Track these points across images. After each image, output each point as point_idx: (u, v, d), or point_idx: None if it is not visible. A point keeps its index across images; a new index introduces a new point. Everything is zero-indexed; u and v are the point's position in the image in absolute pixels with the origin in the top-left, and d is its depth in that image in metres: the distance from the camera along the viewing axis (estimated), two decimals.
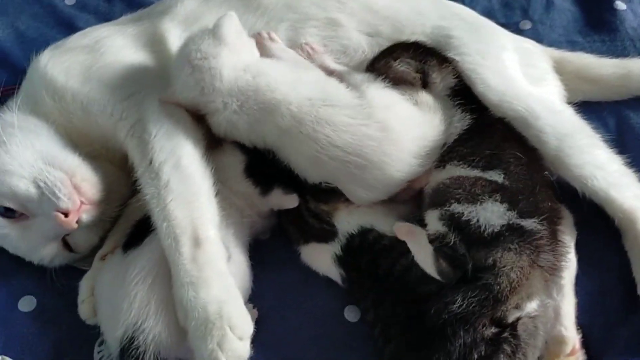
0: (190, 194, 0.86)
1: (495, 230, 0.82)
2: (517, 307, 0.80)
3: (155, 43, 1.06)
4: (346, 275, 0.93)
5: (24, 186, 0.87)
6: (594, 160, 0.96)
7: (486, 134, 0.94)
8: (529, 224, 0.83)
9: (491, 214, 0.83)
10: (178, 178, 0.87)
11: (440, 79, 1.00)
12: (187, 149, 0.90)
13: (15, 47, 1.31)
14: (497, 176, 0.87)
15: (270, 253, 1.00)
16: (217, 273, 0.82)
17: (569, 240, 0.92)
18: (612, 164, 0.97)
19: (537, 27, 1.32)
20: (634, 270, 0.93)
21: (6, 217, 0.88)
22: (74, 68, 0.99)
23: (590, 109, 1.12)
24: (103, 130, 0.96)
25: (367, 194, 0.92)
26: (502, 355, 0.77)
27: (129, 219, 0.98)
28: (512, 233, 0.82)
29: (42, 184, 0.86)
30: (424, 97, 0.97)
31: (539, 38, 1.26)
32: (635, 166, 1.00)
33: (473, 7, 1.32)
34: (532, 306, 0.81)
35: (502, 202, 0.84)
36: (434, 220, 0.86)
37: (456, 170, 0.90)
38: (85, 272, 0.96)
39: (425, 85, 0.99)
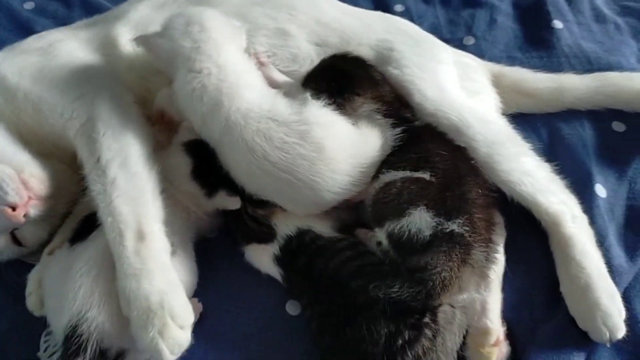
0: (135, 191, 0.90)
1: (426, 239, 0.87)
2: (450, 302, 0.86)
3: (107, 46, 1.09)
4: (285, 275, 0.97)
5: None
6: (521, 167, 1.02)
7: (414, 141, 0.98)
8: (457, 226, 0.87)
9: (420, 224, 0.88)
10: (124, 176, 0.90)
11: (363, 105, 1.02)
12: (134, 148, 0.94)
13: None
14: (424, 174, 0.92)
15: (217, 251, 1.04)
16: (160, 266, 0.85)
17: (498, 240, 0.97)
18: (539, 171, 1.03)
19: (479, 42, 1.39)
20: (557, 270, 0.99)
21: None
22: (27, 69, 1.02)
23: (525, 120, 1.19)
24: (53, 128, 0.98)
25: (297, 209, 0.97)
26: (424, 340, 0.82)
27: (77, 215, 1.00)
28: (441, 238, 0.87)
29: None
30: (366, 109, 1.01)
31: (481, 53, 1.33)
32: (564, 174, 1.06)
33: (421, 23, 1.41)
34: (462, 298, 0.87)
35: (428, 208, 0.88)
36: (383, 238, 0.91)
37: (386, 177, 0.94)
38: (33, 266, 0.98)
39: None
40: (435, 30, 1.40)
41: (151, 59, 1.04)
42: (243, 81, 0.98)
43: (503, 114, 1.17)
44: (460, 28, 1.43)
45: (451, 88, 1.08)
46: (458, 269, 0.86)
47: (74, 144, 0.96)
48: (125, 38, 1.09)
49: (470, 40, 1.40)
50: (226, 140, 0.95)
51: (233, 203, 0.99)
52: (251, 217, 1.00)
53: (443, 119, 1.02)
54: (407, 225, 0.88)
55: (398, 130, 0.98)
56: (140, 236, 0.86)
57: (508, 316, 0.95)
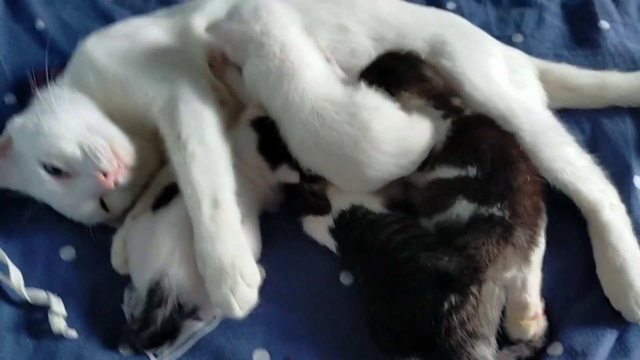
0: (211, 163, 1.01)
1: (465, 221, 0.96)
2: (493, 278, 0.94)
3: (185, 34, 1.20)
4: (338, 246, 1.06)
5: (71, 148, 1.01)
6: (564, 156, 1.09)
7: (465, 131, 1.05)
8: (497, 209, 0.95)
9: (460, 210, 0.97)
10: (202, 150, 1.01)
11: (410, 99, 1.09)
12: (210, 125, 1.05)
13: (59, 35, 1.45)
14: (471, 169, 0.99)
15: (279, 224, 1.14)
16: (232, 231, 0.96)
17: (541, 224, 1.03)
18: (581, 160, 1.10)
19: (527, 40, 1.45)
20: (594, 253, 1.05)
21: (53, 175, 1.02)
22: (115, 52, 1.13)
23: (569, 114, 1.25)
24: (138, 106, 1.09)
25: (344, 185, 1.06)
26: (468, 306, 0.89)
27: (157, 185, 1.11)
28: (480, 220, 0.95)
29: (86, 148, 1.01)
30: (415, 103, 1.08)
31: (528, 50, 1.38)
32: (604, 165, 1.12)
33: (471, 20, 1.45)
34: (505, 276, 0.95)
35: (469, 198, 0.97)
36: (431, 227, 1.01)
37: (440, 171, 1.02)
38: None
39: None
40: (485, 28, 1.45)
41: (221, 45, 1.13)
42: (304, 62, 1.07)
43: (548, 107, 1.23)
44: (510, 26, 1.49)
45: (500, 79, 1.16)
46: (499, 247, 0.92)
47: (156, 121, 1.07)
48: (201, 27, 1.19)
49: (518, 38, 1.46)
50: (285, 117, 1.04)
51: (293, 176, 1.09)
52: (309, 191, 1.09)
53: (492, 109, 1.09)
54: (450, 215, 0.97)
55: (449, 121, 1.05)
56: (215, 204, 0.96)
57: (546, 295, 1.01)
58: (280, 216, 1.16)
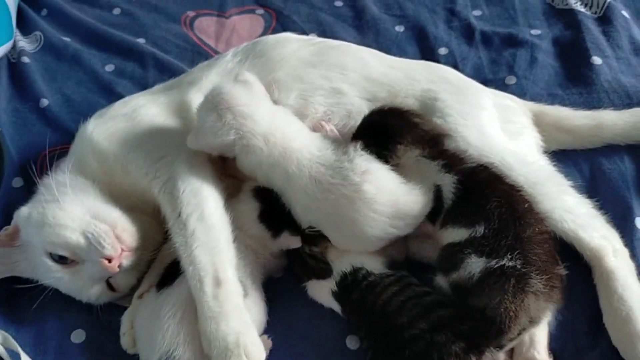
0: (212, 241, 1.03)
1: (476, 277, 0.96)
2: (521, 332, 0.94)
3: (183, 111, 1.23)
4: (342, 309, 1.07)
5: (75, 237, 1.04)
6: (563, 205, 1.10)
7: (473, 192, 1.03)
8: (507, 260, 0.94)
9: (471, 267, 0.96)
10: (202, 228, 1.03)
11: (407, 152, 1.10)
12: (210, 202, 1.07)
13: (63, 111, 1.49)
14: (480, 229, 0.98)
15: (283, 289, 1.15)
16: (235, 308, 0.98)
17: (556, 270, 0.98)
18: (580, 208, 1.11)
19: (521, 81, 1.46)
20: (600, 301, 1.05)
21: (60, 263, 1.05)
22: (115, 134, 1.17)
23: (566, 156, 1.27)
24: (140, 187, 1.12)
25: (344, 245, 1.08)
26: None
27: (161, 262, 1.14)
28: (491, 274, 0.94)
29: (89, 235, 1.03)
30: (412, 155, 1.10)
31: (522, 92, 1.41)
32: (605, 208, 1.13)
33: (464, 64, 1.50)
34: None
35: (479, 255, 0.96)
36: (446, 285, 1.01)
37: (451, 234, 1.02)
38: (126, 308, 1.12)
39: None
40: (478, 71, 1.50)
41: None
42: (290, 136, 1.10)
43: (545, 151, 1.25)
44: (502, 67, 1.51)
45: (493, 133, 1.17)
46: (518, 300, 0.92)
47: (157, 200, 1.10)
48: (198, 102, 1.22)
49: (512, 80, 1.47)
50: (288, 188, 1.08)
51: (295, 242, 1.11)
52: (310, 255, 1.11)
53: (487, 164, 1.10)
54: (462, 272, 0.97)
55: (454, 177, 1.05)
56: (217, 282, 0.98)
57: (555, 347, 1.01)
58: (284, 281, 1.17)
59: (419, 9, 1.72)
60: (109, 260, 1.03)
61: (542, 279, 0.93)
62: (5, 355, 1.05)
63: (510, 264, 0.94)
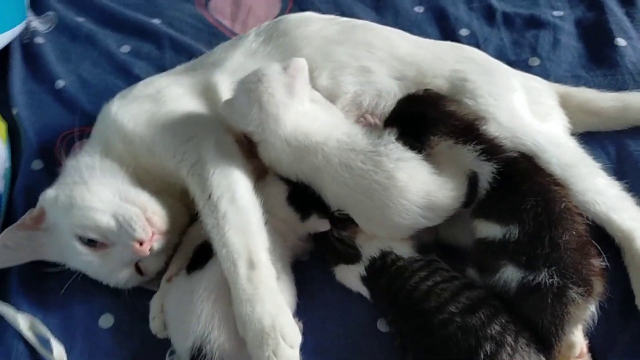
0: (244, 223, 1.01)
1: (514, 292, 0.95)
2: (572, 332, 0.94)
3: (208, 92, 1.21)
4: (370, 294, 1.06)
5: (106, 220, 1.02)
6: (594, 187, 1.09)
7: (509, 185, 1.00)
8: (545, 275, 0.92)
9: (508, 277, 0.95)
10: (234, 210, 1.02)
11: (440, 142, 1.06)
12: (240, 184, 1.05)
13: (79, 92, 1.47)
14: (514, 230, 0.96)
15: (310, 272, 1.14)
16: (269, 291, 0.96)
17: (594, 271, 0.96)
18: (611, 190, 1.10)
19: (544, 63, 1.44)
20: (632, 283, 1.05)
21: (89, 247, 1.04)
22: (140, 115, 1.14)
23: (593, 138, 1.25)
24: (166, 169, 1.11)
25: (373, 230, 1.06)
26: (504, 354, 0.89)
27: (189, 245, 1.12)
28: (530, 290, 0.93)
29: (120, 218, 1.02)
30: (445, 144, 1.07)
31: (546, 74, 1.39)
32: (634, 190, 1.12)
33: (486, 46, 1.48)
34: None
35: (515, 264, 0.95)
36: (477, 278, 1.01)
37: (484, 228, 1.00)
38: (153, 292, 1.10)
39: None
40: (500, 53, 1.48)
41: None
42: (312, 135, 1.07)
43: (572, 133, 1.23)
44: (525, 49, 1.49)
45: (524, 114, 1.16)
46: (560, 314, 0.91)
47: (185, 182, 1.08)
48: (224, 84, 1.20)
49: (535, 62, 1.45)
50: (316, 178, 1.07)
51: (323, 225, 1.10)
52: (338, 239, 1.09)
53: (519, 146, 1.08)
54: (498, 280, 0.96)
55: (493, 165, 1.01)
56: (251, 264, 0.97)
57: (587, 329, 1.00)
58: (311, 264, 1.16)
59: None
60: (140, 244, 1.01)
61: (580, 288, 0.92)
62: (34, 340, 1.04)
63: (549, 281, 0.92)
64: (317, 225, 1.10)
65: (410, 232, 1.05)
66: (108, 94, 1.34)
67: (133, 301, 1.10)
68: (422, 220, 1.03)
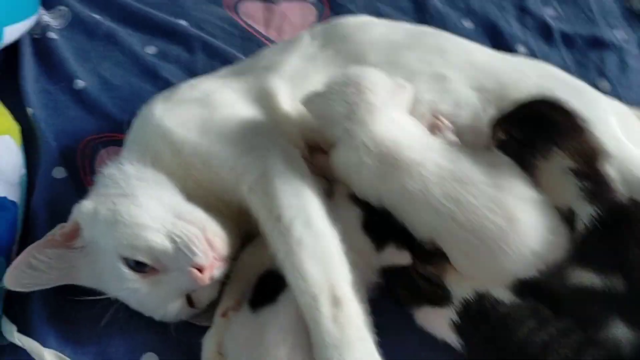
0: (323, 251, 0.86)
1: (627, 351, 0.82)
2: None
3: (265, 99, 1.06)
4: (465, 345, 0.90)
5: (160, 240, 0.86)
6: None
7: (612, 230, 0.88)
8: None
9: (618, 336, 0.83)
10: (310, 235, 0.87)
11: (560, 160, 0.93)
12: (314, 205, 0.91)
13: (102, 95, 1.30)
14: (616, 282, 0.84)
15: (385, 313, 0.97)
16: (359, 333, 0.81)
17: None
18: None
19: (615, 87, 1.35)
20: None
21: (137, 272, 0.87)
22: (191, 121, 0.99)
23: None
24: (223, 182, 0.95)
25: (475, 272, 0.91)
26: None
27: (245, 273, 0.96)
28: None
29: (177, 239, 0.86)
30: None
31: (617, 97, 1.27)
32: None
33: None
34: None
35: (623, 321, 0.83)
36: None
37: (579, 274, 0.88)
38: (201, 328, 0.94)
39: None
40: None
41: (313, 120, 1.02)
42: (413, 142, 0.94)
43: None
44: (591, 71, 1.40)
45: (625, 140, 1.03)
46: None
47: (245, 200, 0.93)
48: (282, 91, 1.06)
49: (604, 84, 1.36)
50: (405, 206, 0.92)
51: (402, 258, 0.94)
52: (422, 276, 0.94)
53: (628, 176, 0.96)
54: (605, 338, 0.83)
55: (594, 208, 0.89)
56: (335, 301, 0.82)
57: None
58: (383, 304, 1.00)
59: (485, 4, 1.60)
60: (200, 270, 0.85)
61: None
62: None
63: None
64: (395, 258, 0.95)
65: (513, 278, 0.90)
66: (135, 98, 1.24)
67: (180, 338, 0.93)
68: (532, 272, 0.88)
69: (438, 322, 0.92)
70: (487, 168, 0.92)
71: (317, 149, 1.07)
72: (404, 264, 0.94)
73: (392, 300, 0.98)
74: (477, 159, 0.94)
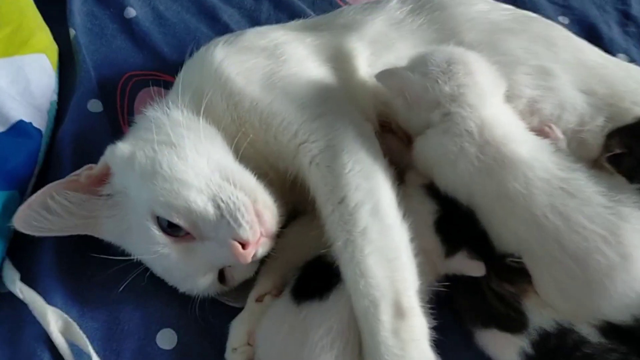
0: (390, 249, 0.72)
1: None
2: None
3: (339, 60, 0.92)
4: None
5: (202, 203, 0.72)
6: None
7: None
8: None
9: None
10: (377, 227, 0.73)
11: None
12: (385, 192, 0.77)
13: (153, 28, 1.17)
14: None
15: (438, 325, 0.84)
16: (422, 354, 0.68)
17: None
18: None
19: None
20: None
21: (169, 235, 0.74)
22: (255, 72, 0.85)
23: None
24: (280, 148, 0.82)
25: (560, 303, 0.77)
26: None
27: (288, 254, 0.83)
28: None
29: (223, 205, 0.72)
30: None
31: None
32: None
33: None
34: None
35: None
36: None
37: None
38: (227, 309, 0.81)
39: None
40: None
41: (393, 98, 0.87)
42: (521, 138, 0.81)
43: None
44: None
45: None
46: None
47: (304, 171, 0.80)
48: (362, 54, 0.93)
49: None
50: (497, 205, 0.78)
51: (475, 269, 0.80)
52: (496, 294, 0.80)
53: None
54: None
55: None
56: (399, 311, 0.69)
57: None
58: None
59: (585, 3, 1.43)
60: (244, 245, 0.71)
61: None
62: (65, 348, 0.74)
63: None
64: (467, 267, 0.80)
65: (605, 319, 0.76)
66: (189, 37, 1.14)
67: (202, 316, 0.79)
68: (624, 316, 0.74)
69: (506, 349, 0.78)
70: (606, 188, 0.76)
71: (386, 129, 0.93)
72: (475, 276, 0.80)
73: (450, 313, 0.84)
74: (595, 176, 0.79)
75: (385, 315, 0.68)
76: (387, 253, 0.72)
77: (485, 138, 0.79)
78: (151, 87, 1.00)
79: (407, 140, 0.90)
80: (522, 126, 0.85)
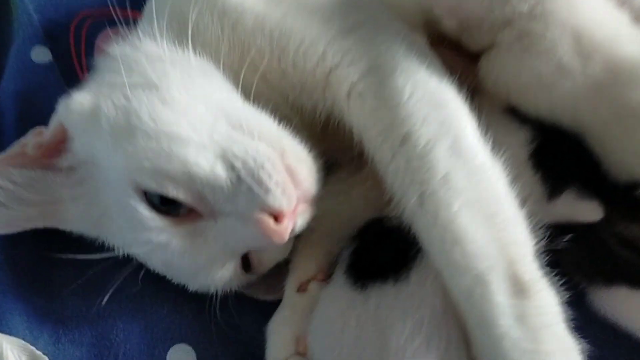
0: (488, 200, 0.51)
1: None
2: None
3: None
4: None
5: (207, 164, 0.50)
6: None
7: None
8: None
9: None
10: (464, 171, 0.52)
11: None
12: (466, 122, 0.55)
13: None
14: None
15: None
16: (561, 345, 0.47)
17: None
18: None
19: None
20: None
21: (164, 214, 0.51)
22: None
23: None
24: (303, 78, 0.59)
25: None
26: None
27: (325, 223, 0.61)
28: None
29: (238, 163, 0.50)
30: None
31: None
32: None
33: None
34: None
35: None
36: None
37: None
38: (257, 305, 0.60)
39: None
40: None
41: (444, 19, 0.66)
42: (629, 42, 0.62)
43: None
44: None
45: None
46: None
47: (341, 107, 0.58)
48: None
49: None
50: (616, 128, 0.60)
51: (590, 211, 0.61)
52: (623, 239, 0.61)
53: None
54: None
55: None
56: (518, 287, 0.48)
57: None
58: None
59: None
60: (276, 218, 0.49)
61: None
62: None
63: None
64: (578, 210, 0.61)
65: None
66: None
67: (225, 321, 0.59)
68: None
69: (636, 311, 0.61)
70: None
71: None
72: (590, 221, 0.61)
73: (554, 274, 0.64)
74: None
75: (501, 296, 0.47)
76: (485, 206, 0.51)
77: (584, 47, 0.60)
78: (112, 28, 0.78)
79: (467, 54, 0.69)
80: (625, 22, 0.65)
